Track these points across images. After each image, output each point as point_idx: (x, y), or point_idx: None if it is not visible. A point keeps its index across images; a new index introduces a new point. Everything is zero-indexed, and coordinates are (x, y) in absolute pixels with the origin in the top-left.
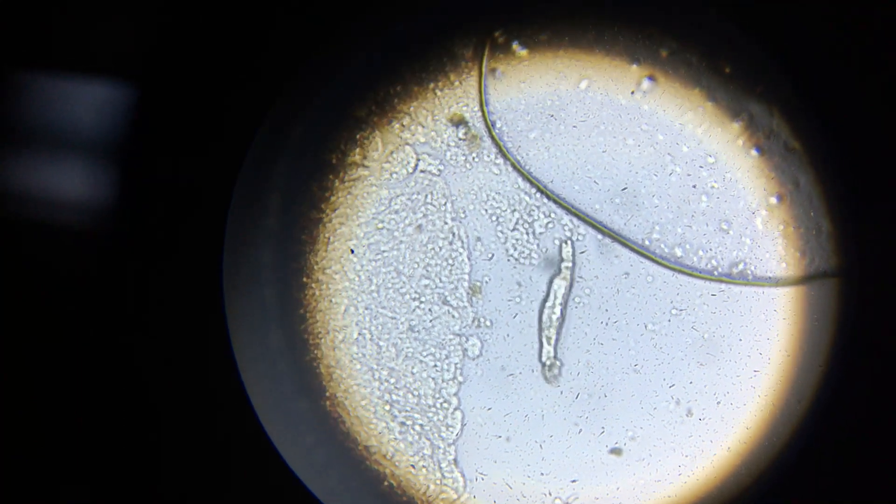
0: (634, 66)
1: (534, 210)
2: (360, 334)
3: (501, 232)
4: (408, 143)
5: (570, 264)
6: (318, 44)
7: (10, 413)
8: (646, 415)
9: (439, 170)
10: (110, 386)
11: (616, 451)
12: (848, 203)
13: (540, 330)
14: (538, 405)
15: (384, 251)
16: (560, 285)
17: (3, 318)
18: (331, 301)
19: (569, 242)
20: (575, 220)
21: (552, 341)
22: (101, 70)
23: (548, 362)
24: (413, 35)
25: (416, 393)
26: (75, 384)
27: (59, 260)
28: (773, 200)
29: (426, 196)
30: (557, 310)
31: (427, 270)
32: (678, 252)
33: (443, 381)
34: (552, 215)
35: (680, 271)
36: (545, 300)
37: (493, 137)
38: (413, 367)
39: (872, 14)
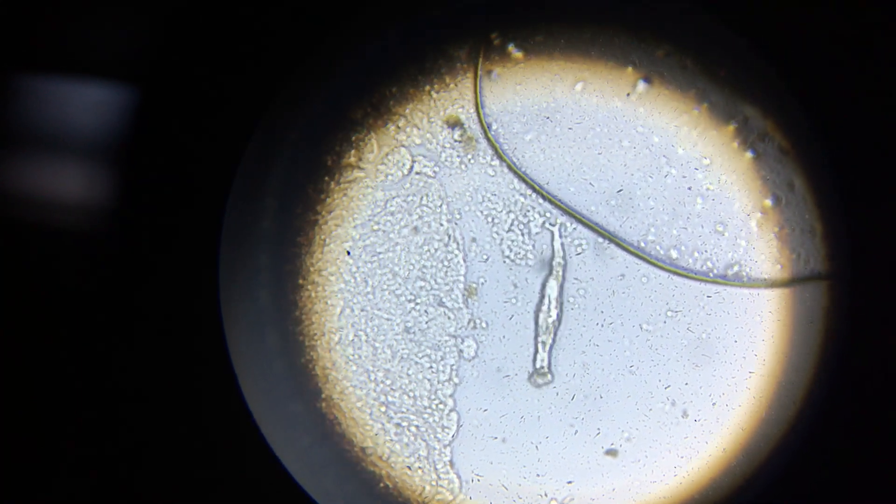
0: (630, 69)
1: (529, 211)
2: (355, 336)
3: (497, 233)
4: (403, 145)
5: (561, 260)
6: (314, 46)
7: (8, 413)
8: (641, 416)
9: (435, 171)
10: (106, 387)
11: (612, 453)
12: (842, 205)
13: (536, 334)
14: (534, 406)
15: (380, 253)
16: (552, 286)
17: (1, 318)
18: (326, 303)
19: (555, 232)
20: (571, 221)
21: (547, 346)
22: (98, 72)
23: (540, 369)
24: (409, 37)
25: (411, 394)
26: (72, 385)
27: (56, 261)
28: (768, 202)
29: (422, 198)
30: (553, 313)
31: (422, 272)
32: (674, 254)
33: (438, 382)
34: (547, 215)
35: (675, 273)
36: (540, 304)
37: (488, 139)
38: (409, 369)
39: (866, 17)
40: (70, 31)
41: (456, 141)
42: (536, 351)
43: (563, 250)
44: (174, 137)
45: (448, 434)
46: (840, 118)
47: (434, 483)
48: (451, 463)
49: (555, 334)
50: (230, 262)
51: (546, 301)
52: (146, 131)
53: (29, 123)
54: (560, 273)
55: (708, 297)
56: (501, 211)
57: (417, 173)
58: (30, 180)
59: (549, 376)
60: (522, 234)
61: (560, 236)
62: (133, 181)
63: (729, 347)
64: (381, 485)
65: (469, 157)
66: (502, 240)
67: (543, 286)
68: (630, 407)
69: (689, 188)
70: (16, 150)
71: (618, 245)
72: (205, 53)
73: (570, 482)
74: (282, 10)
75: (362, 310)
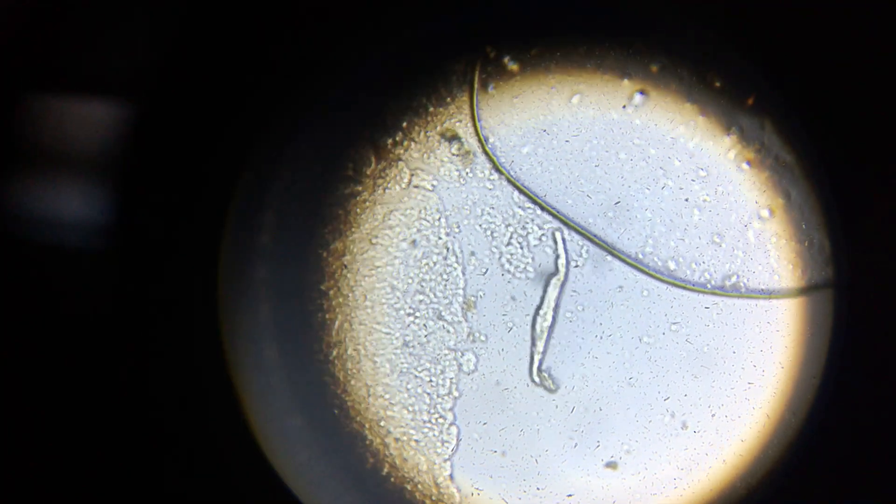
0: (626, 81)
1: (528, 223)
2: (354, 350)
3: (496, 247)
4: (401, 159)
5: (563, 260)
6: (313, 62)
7: (11, 423)
8: (641, 428)
9: (433, 185)
10: (105, 401)
11: (612, 465)
12: (839, 215)
13: (533, 342)
14: (533, 420)
15: (378, 267)
16: (554, 286)
17: (4, 333)
18: (325, 317)
19: (559, 233)
20: (570, 233)
21: (542, 347)
22: (99, 90)
23: (536, 378)
24: (405, 52)
25: (411, 409)
26: (73, 398)
27: (58, 278)
28: (765, 213)
29: (420, 211)
30: (549, 315)
31: (421, 286)
32: (671, 265)
33: (438, 396)
34: (545, 227)
35: (673, 284)
36: (539, 308)
37: (486, 153)
38: (408, 383)
39: (862, 27)
40: (71, 49)
41: (453, 154)
42: (532, 361)
43: (566, 248)
44: (174, 154)
45: (448, 448)
46: (836, 128)
47: (434, 497)
48: (451, 477)
49: (548, 338)
50: (229, 277)
51: (544, 306)
52: (145, 148)
53: (29, 141)
54: (563, 273)
55: (706, 308)
56: (500, 224)
57: (416, 187)
58: (30, 198)
59: (547, 375)
60: (521, 247)
61: (565, 248)
62: (133, 197)
63: (728, 358)
64: (381, 499)
65: (467, 170)
66: (501, 253)
67: (544, 289)
68: (629, 419)
69: (686, 199)
70: (16, 167)
71: (616, 257)
72: (206, 69)
73: (570, 495)
74: (282, 28)
75: (361, 324)
